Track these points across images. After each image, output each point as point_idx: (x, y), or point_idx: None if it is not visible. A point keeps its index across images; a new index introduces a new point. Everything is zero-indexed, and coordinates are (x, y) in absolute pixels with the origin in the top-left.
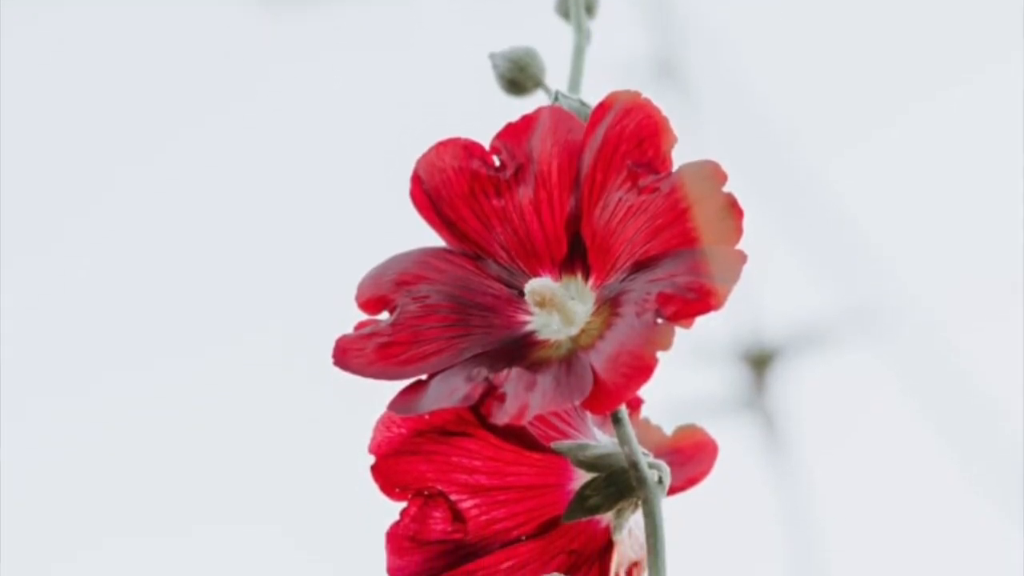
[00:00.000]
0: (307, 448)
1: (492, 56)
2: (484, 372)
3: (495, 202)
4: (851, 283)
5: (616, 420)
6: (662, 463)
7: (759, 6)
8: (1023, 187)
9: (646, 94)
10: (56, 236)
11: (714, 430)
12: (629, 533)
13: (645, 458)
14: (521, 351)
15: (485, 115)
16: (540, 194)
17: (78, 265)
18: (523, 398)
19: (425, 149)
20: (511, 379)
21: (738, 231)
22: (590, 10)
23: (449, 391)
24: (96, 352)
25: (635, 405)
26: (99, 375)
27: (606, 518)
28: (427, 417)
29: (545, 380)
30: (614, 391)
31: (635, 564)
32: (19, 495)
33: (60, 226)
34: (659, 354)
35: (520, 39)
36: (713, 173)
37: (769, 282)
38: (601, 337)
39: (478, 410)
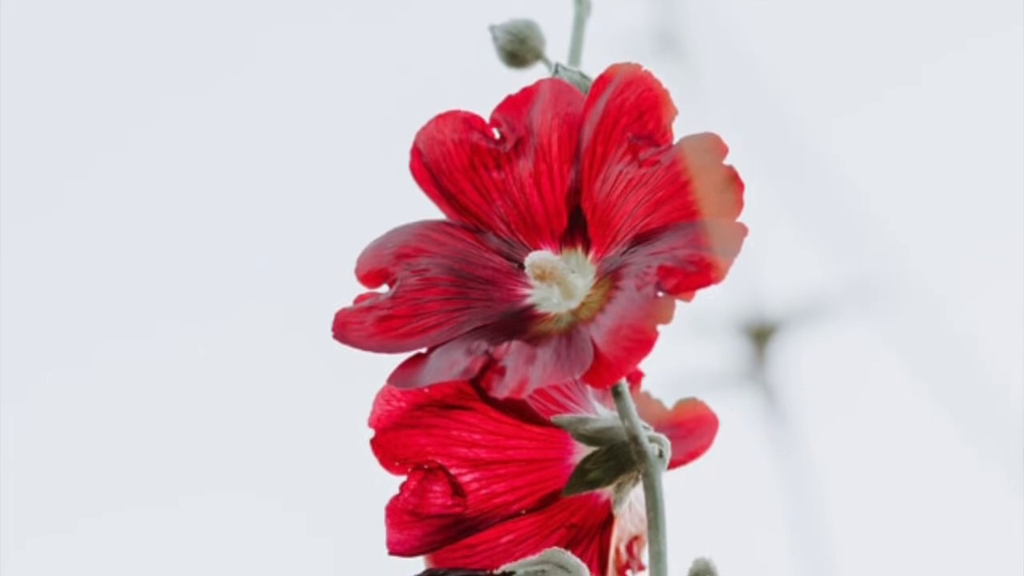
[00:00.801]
0: (306, 422)
1: (492, 28)
2: (484, 345)
3: (495, 175)
4: (853, 256)
5: (616, 394)
6: (663, 437)
7: None
8: None
9: (647, 66)
10: (56, 202)
11: (715, 404)
12: (629, 507)
13: (646, 432)
14: (521, 324)
15: (485, 87)
16: (540, 167)
17: (76, 232)
18: (523, 371)
19: (425, 122)
20: (511, 352)
21: (739, 204)
22: None
23: (449, 364)
24: (93, 322)
25: (635, 379)
26: (96, 345)
27: (606, 492)
28: (427, 390)
29: (545, 353)
30: (614, 364)
31: (635, 538)
32: (15, 465)
33: (60, 192)
34: (660, 327)
35: (520, 11)
36: (714, 145)
37: (770, 255)
38: (601, 310)
39: (478, 383)
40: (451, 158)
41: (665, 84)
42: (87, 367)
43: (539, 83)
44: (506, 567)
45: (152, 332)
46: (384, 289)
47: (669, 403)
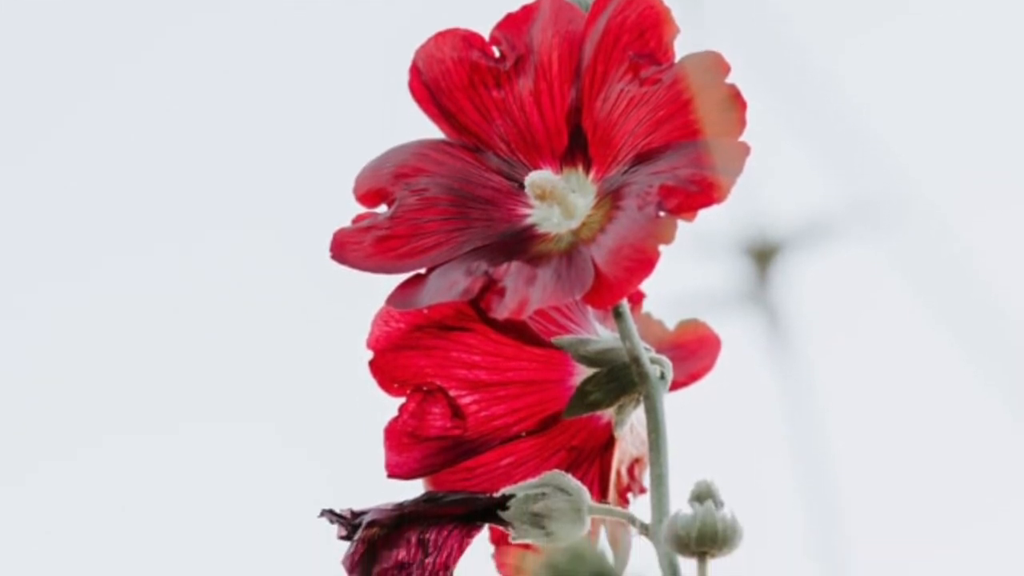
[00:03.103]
0: (304, 343)
1: None
2: (484, 266)
3: (495, 93)
4: (856, 175)
5: (617, 314)
6: (664, 358)
7: None
8: None
9: None
10: (55, 124)
11: (717, 324)
12: (631, 429)
13: (647, 353)
14: (521, 245)
15: (485, 5)
16: (540, 85)
17: (74, 154)
18: (523, 292)
19: (424, 40)
20: (511, 273)
21: (741, 123)
22: None
23: (448, 285)
24: (90, 246)
25: (637, 299)
26: (94, 269)
27: (607, 414)
28: (426, 311)
29: (546, 274)
30: (615, 285)
31: (636, 460)
32: (13, 389)
33: (59, 115)
34: (661, 247)
35: None
36: (715, 64)
37: (772, 174)
38: (602, 230)
39: (478, 304)
40: (451, 76)
41: (666, 2)
42: (84, 292)
43: (539, 0)
44: (506, 490)
45: (150, 255)
46: (383, 209)
47: (671, 324)
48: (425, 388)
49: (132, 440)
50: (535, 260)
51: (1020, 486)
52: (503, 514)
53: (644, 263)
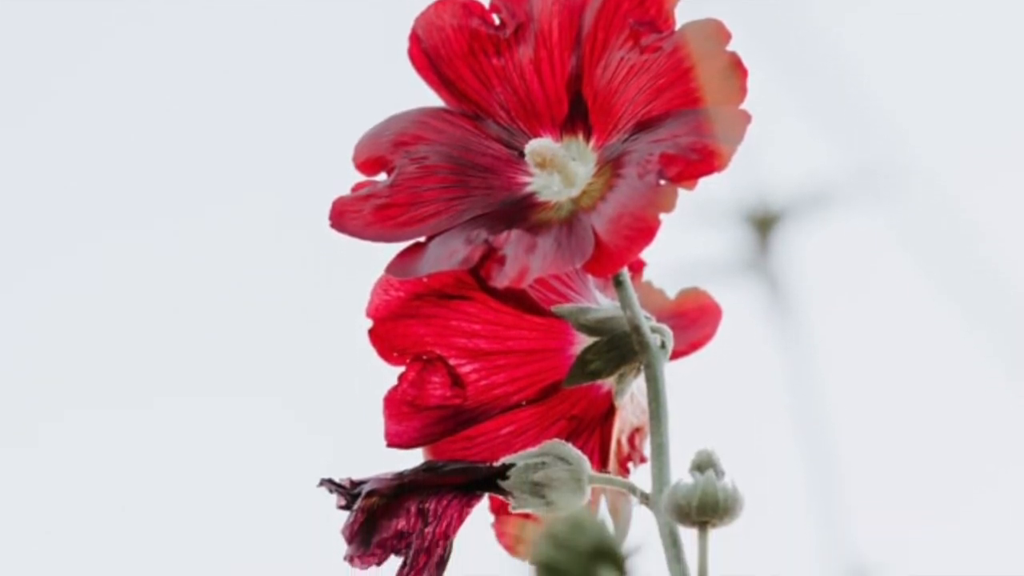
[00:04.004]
0: (303, 312)
1: None
2: (484, 234)
3: (495, 61)
4: (857, 143)
5: (618, 283)
6: (665, 327)
7: None
8: None
9: None
10: (54, 93)
11: (718, 293)
12: (631, 398)
13: (647, 322)
14: (521, 213)
15: None
16: (541, 53)
17: (72, 123)
18: (523, 260)
19: (423, 7)
20: (511, 241)
21: (742, 91)
22: None
23: (448, 253)
24: (88, 219)
25: (637, 268)
26: (93, 241)
27: (608, 383)
28: (426, 280)
29: (546, 242)
30: (616, 253)
31: (637, 430)
32: (15, 359)
33: (57, 83)
34: (662, 216)
35: None
36: (716, 32)
37: (773, 142)
38: (603, 199)
39: (477, 273)
40: (450, 44)
41: None
42: (84, 265)
43: None
44: (506, 459)
45: (150, 227)
46: (382, 177)
47: (671, 293)
48: (425, 357)
49: (132, 414)
50: (535, 228)
51: (1020, 453)
52: (503, 483)
53: (645, 231)
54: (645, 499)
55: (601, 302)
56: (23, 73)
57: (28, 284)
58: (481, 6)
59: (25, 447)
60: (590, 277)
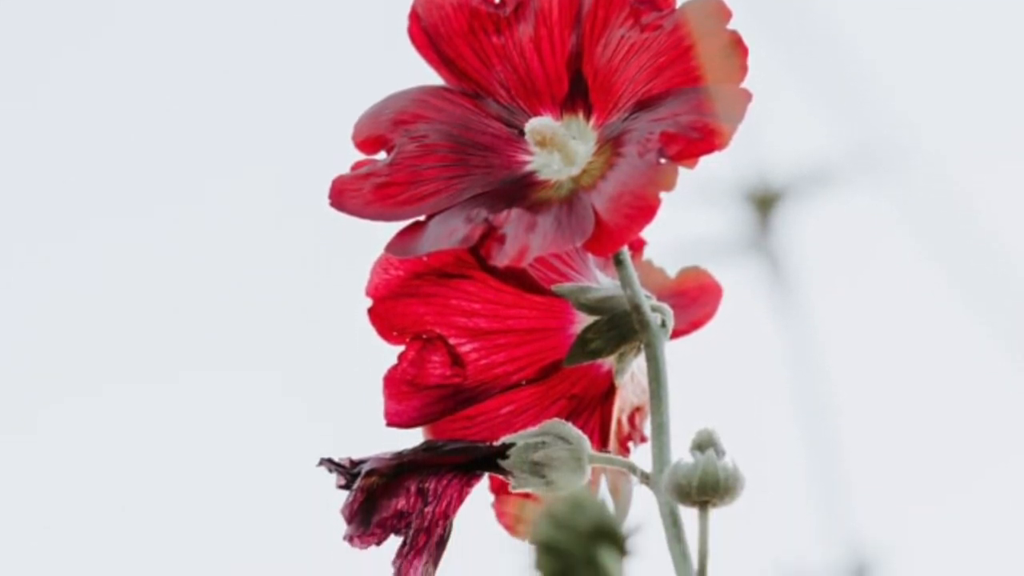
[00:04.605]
0: (303, 291)
1: None
2: (484, 213)
3: (495, 39)
4: (858, 121)
5: (618, 262)
6: (665, 306)
7: None
8: None
9: None
10: (53, 79)
11: (718, 272)
12: (631, 377)
13: (648, 301)
14: (521, 192)
15: None
16: (541, 31)
17: (71, 109)
18: (523, 239)
19: None
20: (511, 220)
21: (742, 69)
22: None
23: (448, 232)
24: (92, 193)
25: (637, 247)
26: (95, 218)
27: (608, 362)
28: (425, 259)
29: (546, 221)
30: (616, 232)
31: (637, 409)
32: (18, 339)
33: (56, 69)
34: (662, 194)
35: None
36: (717, 10)
37: (774, 121)
38: (603, 177)
39: (477, 252)
40: (450, 22)
41: None
42: (87, 242)
43: None
44: (506, 438)
45: (152, 206)
46: (382, 156)
47: (672, 272)
48: (424, 336)
49: (132, 389)
50: (535, 207)
51: (1021, 436)
52: (503, 463)
53: (645, 210)
54: (645, 479)
55: (601, 281)
56: (22, 60)
57: (31, 269)
58: None
59: (26, 433)
60: (590, 256)
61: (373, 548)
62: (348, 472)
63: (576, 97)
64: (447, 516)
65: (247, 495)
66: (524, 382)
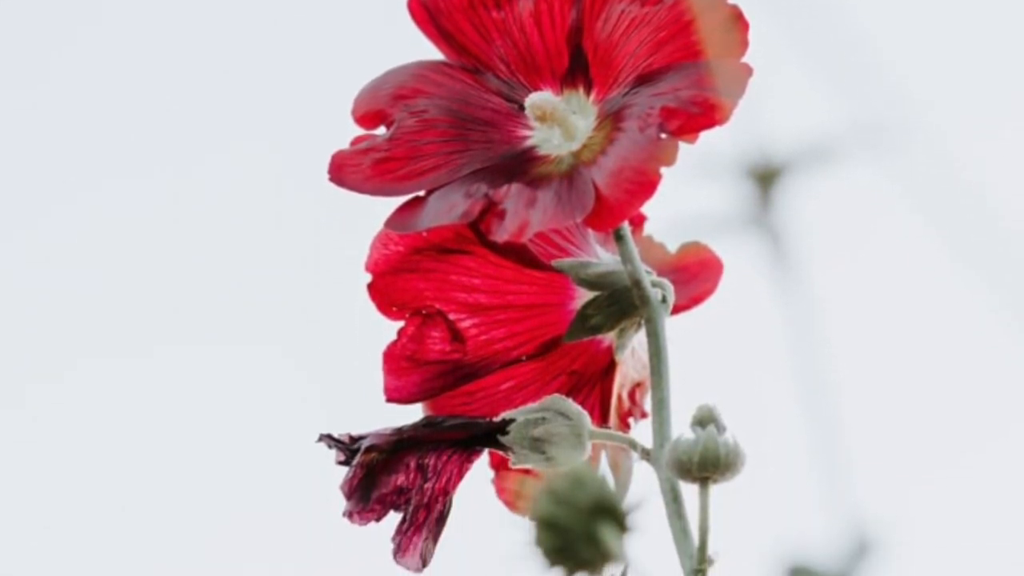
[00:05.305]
0: (302, 266)
1: None
2: (483, 188)
3: (495, 14)
4: (860, 96)
5: (618, 237)
6: (666, 281)
7: None
8: None
9: None
10: (55, 44)
11: (719, 247)
12: (632, 353)
13: (648, 276)
14: (521, 167)
15: None
16: (541, 6)
17: (72, 74)
18: (523, 215)
19: None
20: (511, 195)
21: (743, 43)
22: None
23: (448, 207)
24: (87, 165)
25: (638, 222)
26: (93, 191)
27: (608, 338)
28: (425, 234)
29: (546, 196)
30: (616, 207)
31: (638, 385)
32: (13, 311)
33: (59, 34)
34: (662, 169)
35: None
36: None
37: (776, 95)
38: (603, 152)
39: (477, 227)
40: None
41: None
42: (85, 214)
43: None
44: (506, 414)
45: (151, 179)
46: (381, 131)
47: (672, 247)
48: (424, 311)
49: (131, 363)
50: (535, 182)
51: (1022, 406)
52: (503, 439)
53: (645, 185)
54: (646, 454)
55: (602, 256)
56: (24, 24)
57: (27, 233)
58: None
59: (15, 408)
60: (590, 231)
61: (373, 524)
62: (347, 448)
63: (576, 72)
64: (447, 492)
65: (247, 472)
66: (524, 358)
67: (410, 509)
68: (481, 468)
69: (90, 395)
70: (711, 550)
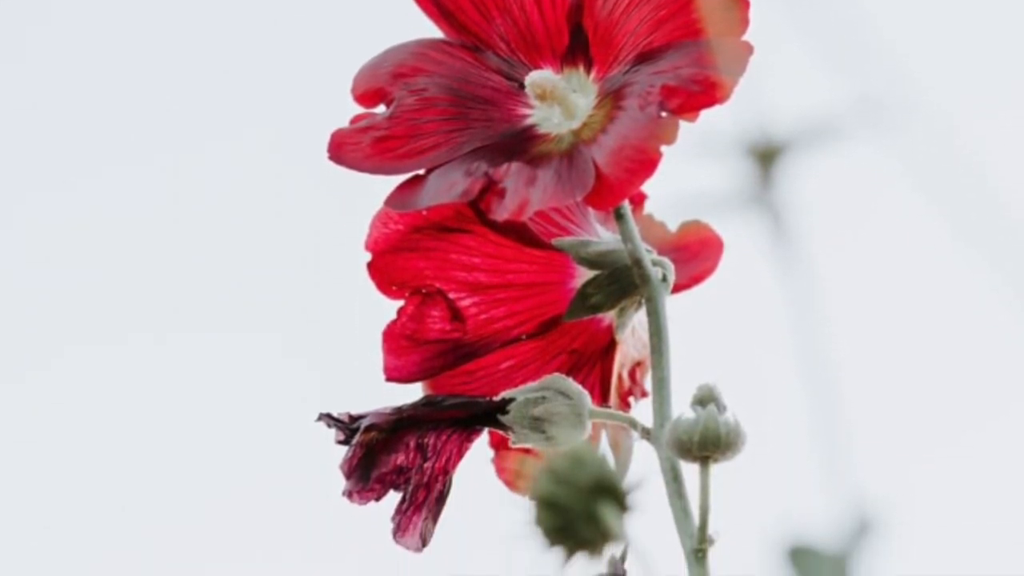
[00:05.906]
0: (302, 245)
1: None
2: (483, 167)
3: None
4: (861, 74)
5: (619, 216)
6: (666, 260)
7: None
8: None
9: None
10: (51, 27)
11: (719, 226)
12: (632, 332)
13: (649, 255)
14: (521, 145)
15: None
16: None
17: (70, 57)
18: (523, 193)
19: None
20: (511, 174)
21: (744, 21)
22: None
23: (448, 186)
24: (87, 149)
25: (638, 200)
26: (93, 177)
27: (608, 317)
28: (425, 213)
29: (546, 175)
30: (617, 186)
31: (638, 364)
32: (14, 294)
33: (56, 16)
34: (663, 148)
35: None
36: None
37: (776, 73)
38: (603, 131)
39: (477, 206)
40: None
41: None
42: (83, 201)
43: None
44: (506, 393)
45: (150, 162)
46: (381, 109)
47: (673, 226)
48: (424, 290)
49: (132, 350)
50: (535, 161)
51: (1022, 386)
52: (503, 418)
53: (645, 164)
54: (646, 434)
55: (602, 235)
56: (24, 23)
57: (25, 219)
58: None
59: (16, 383)
60: (591, 210)
61: (372, 504)
62: (347, 427)
63: (576, 50)
64: (447, 471)
65: (247, 450)
66: (524, 337)
67: (410, 489)
68: (481, 447)
69: (88, 383)
70: (711, 529)
